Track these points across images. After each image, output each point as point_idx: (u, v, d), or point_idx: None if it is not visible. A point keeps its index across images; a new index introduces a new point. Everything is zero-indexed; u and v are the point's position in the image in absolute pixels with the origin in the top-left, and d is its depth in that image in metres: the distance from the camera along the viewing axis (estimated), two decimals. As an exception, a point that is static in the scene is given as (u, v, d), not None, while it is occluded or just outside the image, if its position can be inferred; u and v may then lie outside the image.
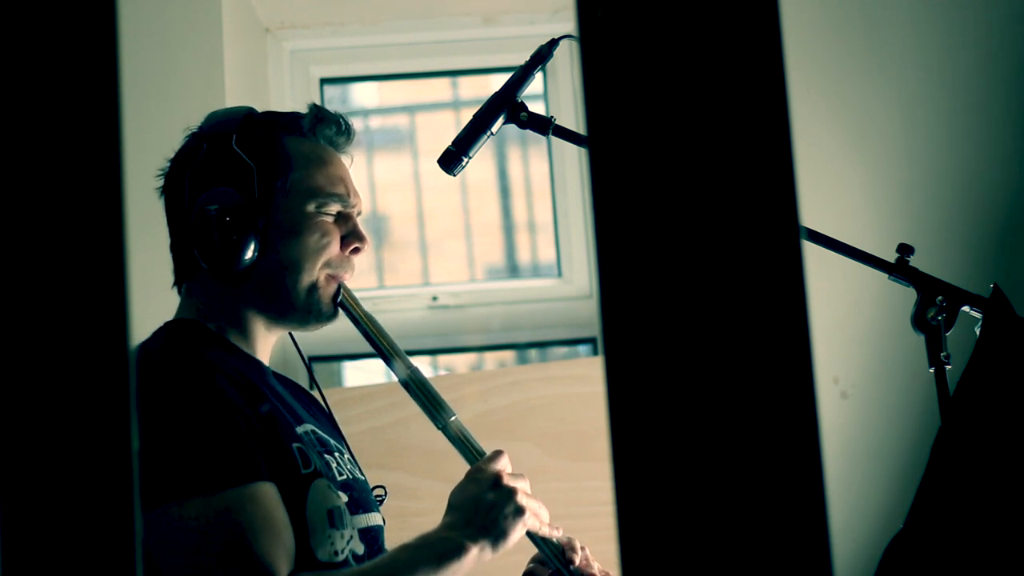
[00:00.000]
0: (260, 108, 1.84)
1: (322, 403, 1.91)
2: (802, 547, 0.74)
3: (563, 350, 3.35)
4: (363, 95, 3.61)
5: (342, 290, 1.79)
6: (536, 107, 2.29)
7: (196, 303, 1.77)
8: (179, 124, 1.84)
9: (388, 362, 1.80)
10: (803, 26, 2.96)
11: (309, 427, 1.74)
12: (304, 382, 2.06)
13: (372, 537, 1.73)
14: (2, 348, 0.74)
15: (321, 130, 1.82)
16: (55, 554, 0.73)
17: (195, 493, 1.53)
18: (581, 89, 0.78)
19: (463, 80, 3.53)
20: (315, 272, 1.76)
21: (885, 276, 1.74)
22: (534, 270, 3.41)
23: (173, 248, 1.79)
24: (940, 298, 1.68)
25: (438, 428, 1.79)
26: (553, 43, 1.91)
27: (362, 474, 1.81)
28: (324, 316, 1.78)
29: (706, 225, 0.76)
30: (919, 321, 1.68)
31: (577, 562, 1.75)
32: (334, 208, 1.79)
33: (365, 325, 1.80)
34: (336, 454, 1.75)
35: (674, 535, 0.74)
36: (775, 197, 0.76)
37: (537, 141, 3.36)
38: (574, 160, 3.31)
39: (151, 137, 2.12)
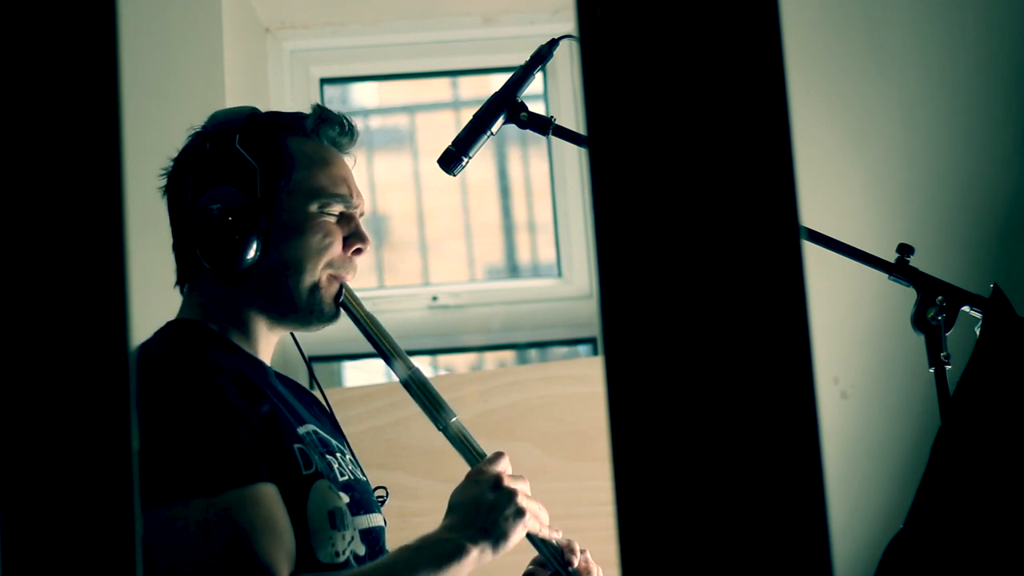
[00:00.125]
0: (260, 108, 1.84)
1: (324, 403, 1.91)
2: (802, 547, 0.74)
3: (563, 350, 3.35)
4: (363, 95, 3.61)
5: (344, 290, 1.79)
6: (536, 107, 2.29)
7: (198, 303, 1.77)
8: (179, 124, 1.83)
9: (389, 362, 1.80)
10: (803, 26, 2.96)
11: (311, 428, 1.73)
12: (304, 382, 2.06)
13: (373, 538, 1.72)
14: (2, 348, 0.74)
15: (324, 130, 1.82)
16: (55, 554, 0.73)
17: (196, 494, 1.53)
18: (581, 89, 0.78)
19: (463, 80, 3.53)
20: (317, 272, 1.76)
21: (885, 276, 1.74)
22: (534, 270, 3.41)
23: (175, 247, 1.79)
24: (940, 298, 1.68)
25: (439, 429, 1.79)
26: (553, 43, 1.91)
27: (364, 475, 1.81)
28: (326, 316, 1.78)
29: (706, 225, 0.76)
30: (919, 321, 1.68)
31: (576, 564, 1.75)
32: (336, 208, 1.79)
33: (367, 325, 1.80)
34: (338, 455, 1.75)
35: (674, 535, 0.74)
36: (775, 197, 0.76)
37: (537, 141, 3.36)
38: (574, 160, 3.31)
39: (151, 137, 2.13)
